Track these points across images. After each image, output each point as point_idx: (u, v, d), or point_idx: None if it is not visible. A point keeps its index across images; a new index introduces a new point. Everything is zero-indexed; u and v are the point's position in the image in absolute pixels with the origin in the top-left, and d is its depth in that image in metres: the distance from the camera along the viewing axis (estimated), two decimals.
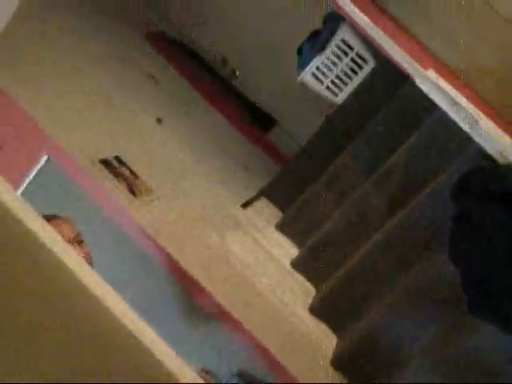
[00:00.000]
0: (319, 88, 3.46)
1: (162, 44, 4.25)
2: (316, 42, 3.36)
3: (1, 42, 2.50)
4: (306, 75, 3.44)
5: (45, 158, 2.43)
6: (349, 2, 2.42)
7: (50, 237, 0.90)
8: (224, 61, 4.21)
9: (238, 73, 4.38)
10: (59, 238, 0.94)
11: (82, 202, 2.49)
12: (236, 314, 2.33)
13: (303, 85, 3.55)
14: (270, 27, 3.97)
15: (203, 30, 4.18)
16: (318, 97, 3.59)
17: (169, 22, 4.22)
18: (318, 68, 3.40)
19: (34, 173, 2.46)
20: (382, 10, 2.54)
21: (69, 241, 1.77)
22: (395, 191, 2.45)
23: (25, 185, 2.50)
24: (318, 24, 3.51)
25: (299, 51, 3.60)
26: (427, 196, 2.34)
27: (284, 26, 3.91)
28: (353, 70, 3.35)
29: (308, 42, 3.50)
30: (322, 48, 3.31)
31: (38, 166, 2.44)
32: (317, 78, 3.43)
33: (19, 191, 2.44)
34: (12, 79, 2.49)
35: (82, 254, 1.50)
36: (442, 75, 2.30)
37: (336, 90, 3.43)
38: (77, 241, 1.85)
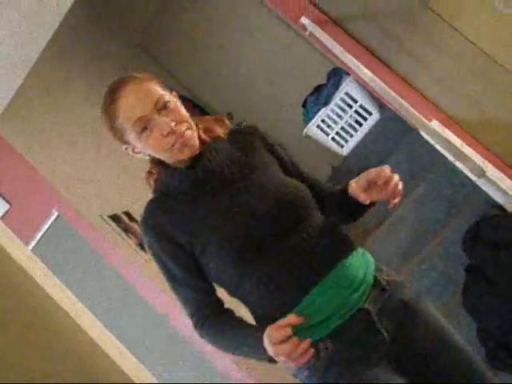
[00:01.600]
0: (325, 140, 3.52)
1: None
2: (320, 95, 3.43)
3: (11, 104, 2.57)
4: (312, 128, 3.49)
5: (55, 214, 2.45)
6: (352, 58, 2.48)
7: (61, 295, 0.91)
8: (230, 115, 4.29)
9: (243, 126, 4.46)
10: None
11: (92, 256, 2.49)
12: None
13: (309, 137, 3.60)
14: (275, 82, 4.05)
15: (210, 86, 4.27)
16: (324, 149, 3.63)
17: (176, 78, 4.32)
18: (323, 120, 3.46)
19: (44, 229, 2.48)
20: (385, 64, 2.59)
21: None
22: (403, 243, 2.44)
23: (36, 241, 2.51)
24: (320, 79, 3.59)
25: (304, 104, 3.67)
26: (437, 247, 2.32)
27: (290, 79, 3.99)
28: (358, 122, 3.41)
29: (312, 95, 3.57)
30: (327, 101, 3.38)
31: (49, 222, 2.46)
32: (322, 130, 3.49)
33: (30, 246, 2.45)
34: (21, 135, 2.55)
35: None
36: (447, 126, 2.33)
37: (341, 141, 3.48)
38: None
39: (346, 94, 3.35)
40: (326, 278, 1.11)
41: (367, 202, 1.12)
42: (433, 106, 2.47)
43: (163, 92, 1.17)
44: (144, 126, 1.12)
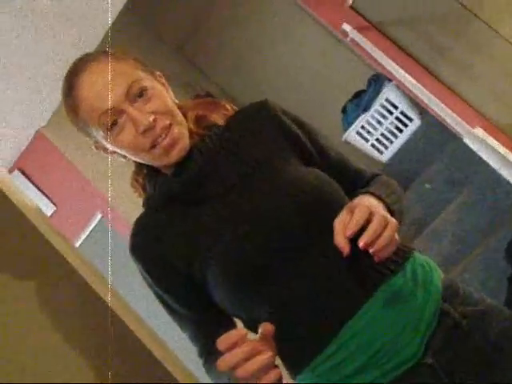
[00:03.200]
0: (364, 146, 3.49)
1: None
2: (360, 101, 3.41)
3: (59, 108, 2.65)
4: (351, 133, 3.48)
5: (99, 216, 2.51)
6: (394, 64, 2.47)
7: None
8: None
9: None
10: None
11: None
12: None
13: (348, 143, 3.58)
14: (314, 86, 4.05)
15: (248, 91, 4.30)
16: (363, 155, 3.60)
17: (215, 82, 4.36)
18: (363, 127, 3.44)
19: (88, 231, 2.55)
20: (428, 70, 2.57)
21: None
22: (445, 250, 2.40)
23: (80, 242, 2.58)
24: (360, 85, 3.57)
25: (344, 110, 3.66)
26: (479, 256, 2.28)
27: (329, 85, 3.98)
28: (398, 129, 3.37)
29: (352, 101, 3.56)
30: (367, 107, 3.36)
31: (93, 225, 2.52)
32: (362, 136, 3.46)
33: (77, 245, 2.51)
34: (68, 139, 2.62)
35: None
36: (491, 133, 2.29)
37: (381, 147, 3.44)
38: None
39: (387, 100, 3.32)
40: (362, 309, 0.80)
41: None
42: (476, 112, 2.43)
43: (141, 74, 0.89)
44: (112, 120, 0.86)
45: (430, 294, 0.82)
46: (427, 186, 2.95)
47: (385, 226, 0.75)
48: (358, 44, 2.74)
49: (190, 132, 0.92)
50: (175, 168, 0.92)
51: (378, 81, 3.35)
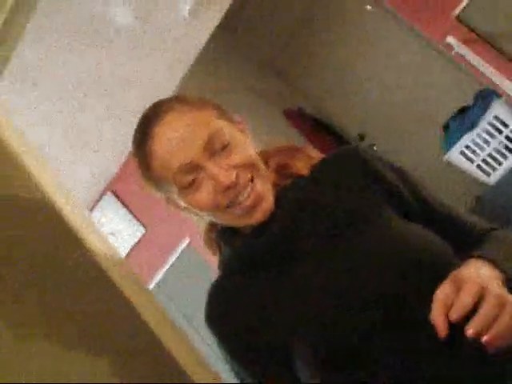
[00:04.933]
0: (469, 167, 3.23)
1: (299, 121, 4.30)
2: (466, 118, 3.16)
3: None
4: (455, 153, 3.23)
5: (187, 241, 2.47)
6: (505, 78, 2.24)
7: None
8: (361, 136, 4.12)
9: (375, 149, 4.27)
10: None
11: None
12: None
13: (450, 164, 3.33)
14: (412, 101, 3.83)
15: (341, 106, 4.16)
16: (467, 177, 3.34)
17: (306, 97, 4.27)
18: (467, 146, 3.18)
19: (176, 255, 2.52)
20: None
21: None
22: None
23: (167, 266, 2.56)
24: (464, 102, 3.32)
25: (445, 128, 3.42)
26: None
27: (428, 101, 3.75)
28: (508, 148, 3.08)
29: (455, 118, 3.31)
30: (473, 125, 3.11)
31: (180, 249, 2.49)
32: (466, 156, 3.21)
33: (161, 272, 2.50)
34: None
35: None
36: None
37: (488, 169, 3.17)
38: None
39: (496, 117, 3.04)
40: None
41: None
42: None
43: (221, 123, 0.79)
44: (191, 178, 0.76)
45: None
46: None
47: (501, 309, 0.61)
48: (463, 57, 2.53)
49: (272, 185, 0.82)
50: (254, 226, 0.80)
51: (486, 96, 3.09)
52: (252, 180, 0.77)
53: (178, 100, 0.80)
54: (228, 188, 0.75)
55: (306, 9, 4.01)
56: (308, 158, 0.88)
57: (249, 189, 0.76)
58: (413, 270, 0.71)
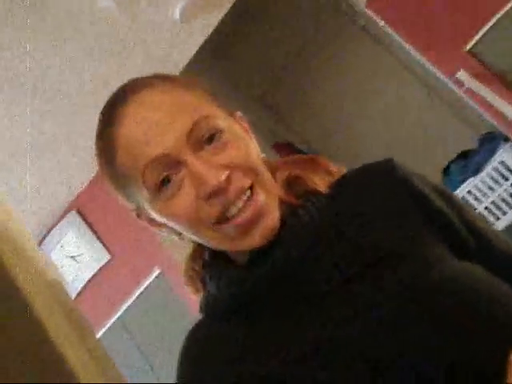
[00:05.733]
0: None
1: (288, 155, 4.15)
2: (469, 162, 2.98)
3: None
4: None
5: (157, 271, 2.20)
6: None
7: None
8: None
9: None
10: None
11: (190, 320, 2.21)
12: None
13: None
14: (411, 141, 3.67)
15: (332, 140, 4.02)
16: None
17: (295, 131, 4.15)
18: (469, 192, 2.98)
19: (145, 285, 2.25)
20: None
21: None
22: None
23: (135, 296, 2.28)
24: (464, 145, 3.16)
25: (445, 171, 3.25)
26: None
27: (429, 141, 3.60)
28: None
29: (457, 162, 3.14)
30: (477, 170, 2.92)
31: (150, 279, 2.22)
32: (468, 202, 3.01)
33: (124, 306, 2.22)
34: None
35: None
36: None
37: (491, 218, 2.97)
38: None
39: (502, 163, 2.86)
40: None
41: None
42: None
43: (214, 110, 0.58)
44: (164, 175, 0.55)
45: None
46: None
47: None
48: (474, 93, 2.34)
49: (280, 202, 0.59)
50: (252, 254, 0.58)
51: (494, 140, 2.92)
52: (251, 188, 0.56)
53: (159, 76, 0.59)
54: (215, 192, 0.53)
55: (298, 44, 3.91)
56: (327, 172, 0.68)
57: (245, 197, 0.55)
58: (484, 332, 0.48)
